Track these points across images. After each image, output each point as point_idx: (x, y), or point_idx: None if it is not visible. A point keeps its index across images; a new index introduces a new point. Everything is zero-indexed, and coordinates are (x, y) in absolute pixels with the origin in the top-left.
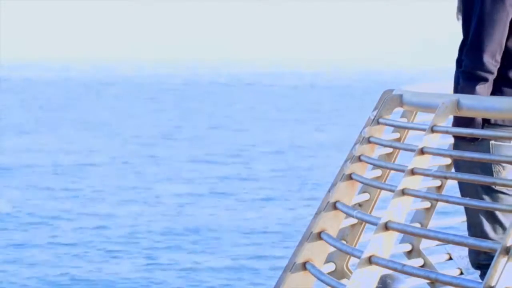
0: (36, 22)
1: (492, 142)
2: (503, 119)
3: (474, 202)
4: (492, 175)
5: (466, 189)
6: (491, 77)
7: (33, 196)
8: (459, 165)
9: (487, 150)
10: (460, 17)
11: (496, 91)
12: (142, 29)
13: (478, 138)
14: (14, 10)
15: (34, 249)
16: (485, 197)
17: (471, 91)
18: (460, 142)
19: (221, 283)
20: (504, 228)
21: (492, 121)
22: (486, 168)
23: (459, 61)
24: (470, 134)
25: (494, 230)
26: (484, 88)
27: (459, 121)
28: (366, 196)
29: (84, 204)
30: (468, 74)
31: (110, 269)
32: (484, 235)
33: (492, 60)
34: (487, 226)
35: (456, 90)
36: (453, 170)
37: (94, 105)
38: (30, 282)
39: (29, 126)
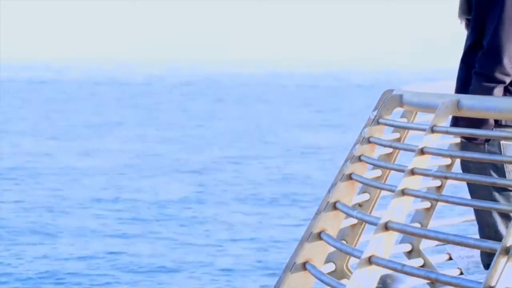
0: (34, 23)
1: (502, 142)
2: None
3: (475, 203)
4: (505, 176)
5: (478, 190)
6: (508, 80)
7: (36, 197)
8: (469, 166)
9: (498, 150)
10: (463, 18)
11: (506, 91)
12: (141, 29)
13: (490, 139)
14: (14, 10)
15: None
16: (499, 197)
17: (488, 93)
18: (469, 143)
19: None
20: None
21: (503, 122)
22: (499, 169)
23: (465, 61)
24: (470, 134)
25: None
26: (501, 91)
27: (471, 122)
28: (366, 196)
29: (87, 206)
30: (485, 76)
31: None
32: (499, 236)
33: (510, 62)
34: (501, 227)
35: (461, 90)
36: (453, 170)
37: (93, 105)
38: None
39: (30, 128)
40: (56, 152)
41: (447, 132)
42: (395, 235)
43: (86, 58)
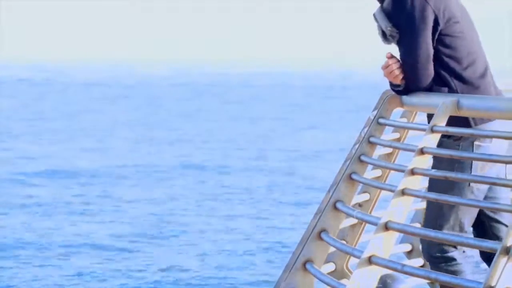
0: (32, 23)
1: (476, 143)
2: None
3: (473, 202)
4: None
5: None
6: None
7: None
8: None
9: (471, 150)
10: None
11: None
12: (140, 29)
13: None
14: (13, 10)
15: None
16: (457, 192)
17: None
18: (447, 140)
19: None
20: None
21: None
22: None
23: None
24: (470, 134)
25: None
26: None
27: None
28: (366, 196)
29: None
30: None
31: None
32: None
33: None
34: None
35: None
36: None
37: (92, 106)
38: None
39: (29, 130)
40: (58, 156)
41: (447, 132)
42: (395, 235)
43: (85, 59)
